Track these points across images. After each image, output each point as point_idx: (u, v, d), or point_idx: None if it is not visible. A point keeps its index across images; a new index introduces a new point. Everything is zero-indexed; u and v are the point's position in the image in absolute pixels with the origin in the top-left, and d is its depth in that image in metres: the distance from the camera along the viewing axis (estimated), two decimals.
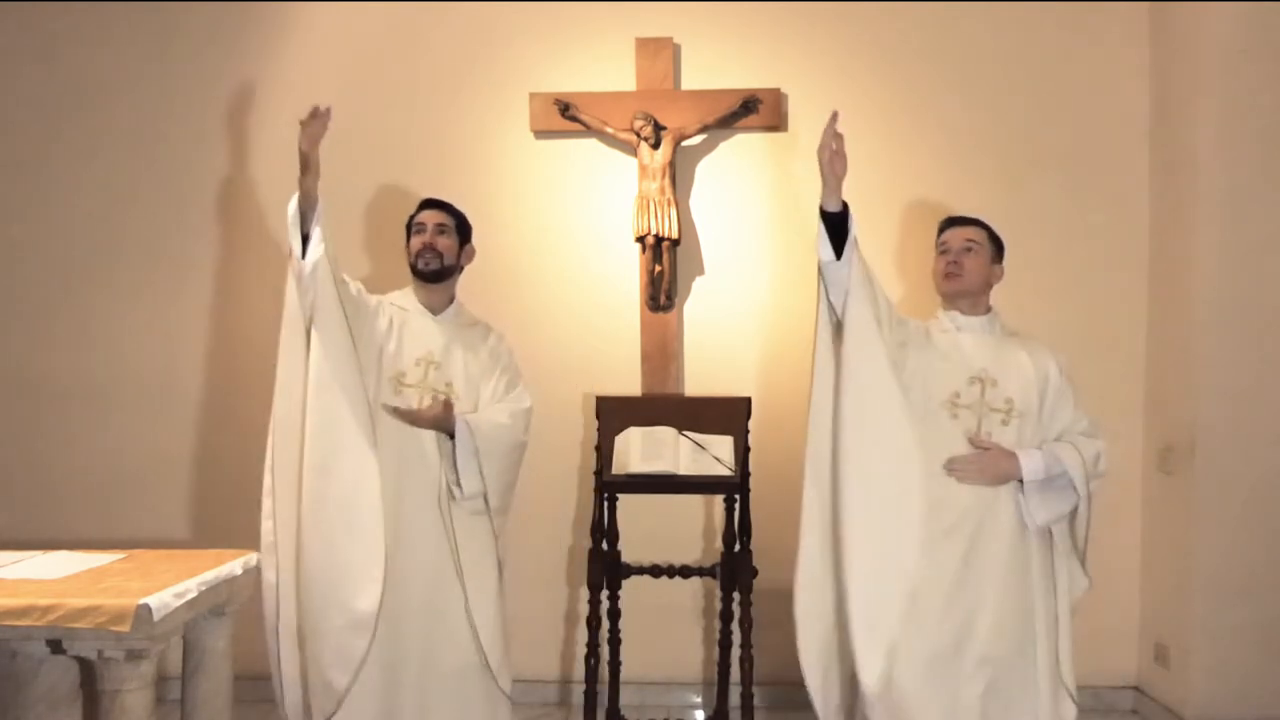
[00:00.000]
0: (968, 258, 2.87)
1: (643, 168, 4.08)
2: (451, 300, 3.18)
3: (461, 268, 3.19)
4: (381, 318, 3.10)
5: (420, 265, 3.11)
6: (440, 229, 3.11)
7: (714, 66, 4.19)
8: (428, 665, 2.99)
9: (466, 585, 3.00)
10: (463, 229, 3.18)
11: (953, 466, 2.71)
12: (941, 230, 2.98)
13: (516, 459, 3.13)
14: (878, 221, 4.19)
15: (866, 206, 4.16)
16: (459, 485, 2.99)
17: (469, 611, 3.00)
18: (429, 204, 3.19)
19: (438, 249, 3.09)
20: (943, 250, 2.92)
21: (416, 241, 3.12)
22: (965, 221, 2.95)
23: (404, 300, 3.18)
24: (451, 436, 2.99)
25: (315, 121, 2.88)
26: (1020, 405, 2.78)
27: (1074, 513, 2.79)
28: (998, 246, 2.94)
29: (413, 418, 2.97)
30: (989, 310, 2.93)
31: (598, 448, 3.50)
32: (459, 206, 3.21)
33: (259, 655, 4.08)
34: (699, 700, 4.21)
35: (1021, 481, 2.73)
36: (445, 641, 3.00)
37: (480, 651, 3.01)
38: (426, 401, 3.02)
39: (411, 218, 3.18)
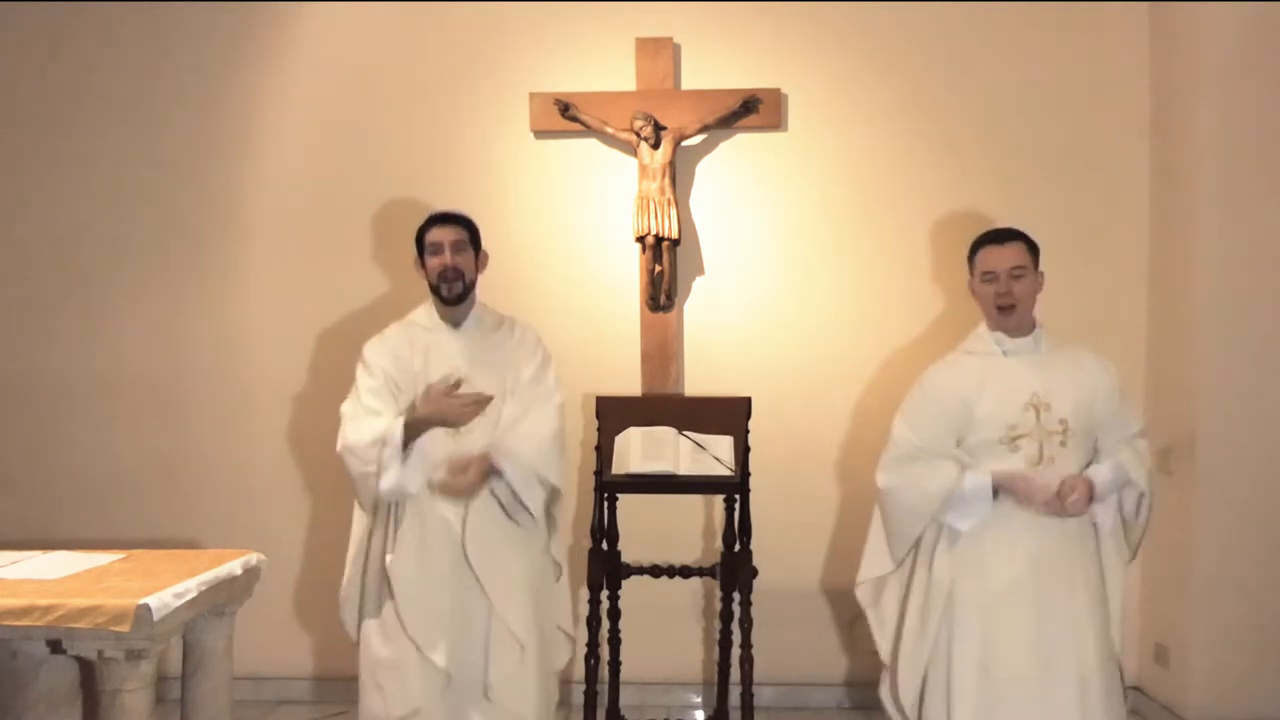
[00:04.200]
0: (1018, 285, 2.78)
1: (643, 168, 4.07)
2: (472, 307, 3.11)
3: (479, 276, 3.12)
4: (404, 344, 3.06)
5: (445, 291, 3.01)
6: (457, 247, 3.00)
7: (714, 66, 4.19)
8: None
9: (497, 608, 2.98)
10: (475, 239, 3.08)
11: (1049, 511, 2.69)
12: (979, 246, 2.86)
13: (559, 449, 3.09)
14: (875, 221, 4.19)
15: (865, 206, 4.20)
16: (527, 510, 2.97)
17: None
18: (441, 219, 3.06)
19: (459, 269, 3.00)
20: (989, 278, 2.80)
21: (436, 263, 3.00)
22: (1005, 238, 2.83)
23: (425, 318, 3.11)
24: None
25: (476, 405, 2.89)
26: (1074, 425, 2.75)
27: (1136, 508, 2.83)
28: (1036, 254, 2.86)
29: (458, 491, 2.93)
30: (1035, 327, 2.86)
31: (598, 448, 3.50)
32: (461, 209, 3.16)
33: (259, 655, 4.11)
34: (699, 700, 4.22)
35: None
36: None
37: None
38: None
39: (421, 233, 3.06)
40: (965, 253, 2.95)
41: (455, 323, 3.09)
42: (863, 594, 2.99)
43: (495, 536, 2.98)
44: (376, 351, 3.07)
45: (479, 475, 2.92)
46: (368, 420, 2.94)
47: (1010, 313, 2.79)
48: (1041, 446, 2.73)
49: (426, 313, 3.12)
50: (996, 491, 2.71)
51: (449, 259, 3.00)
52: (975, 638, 2.72)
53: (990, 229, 2.94)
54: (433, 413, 2.89)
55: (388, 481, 2.89)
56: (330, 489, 4.31)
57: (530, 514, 2.98)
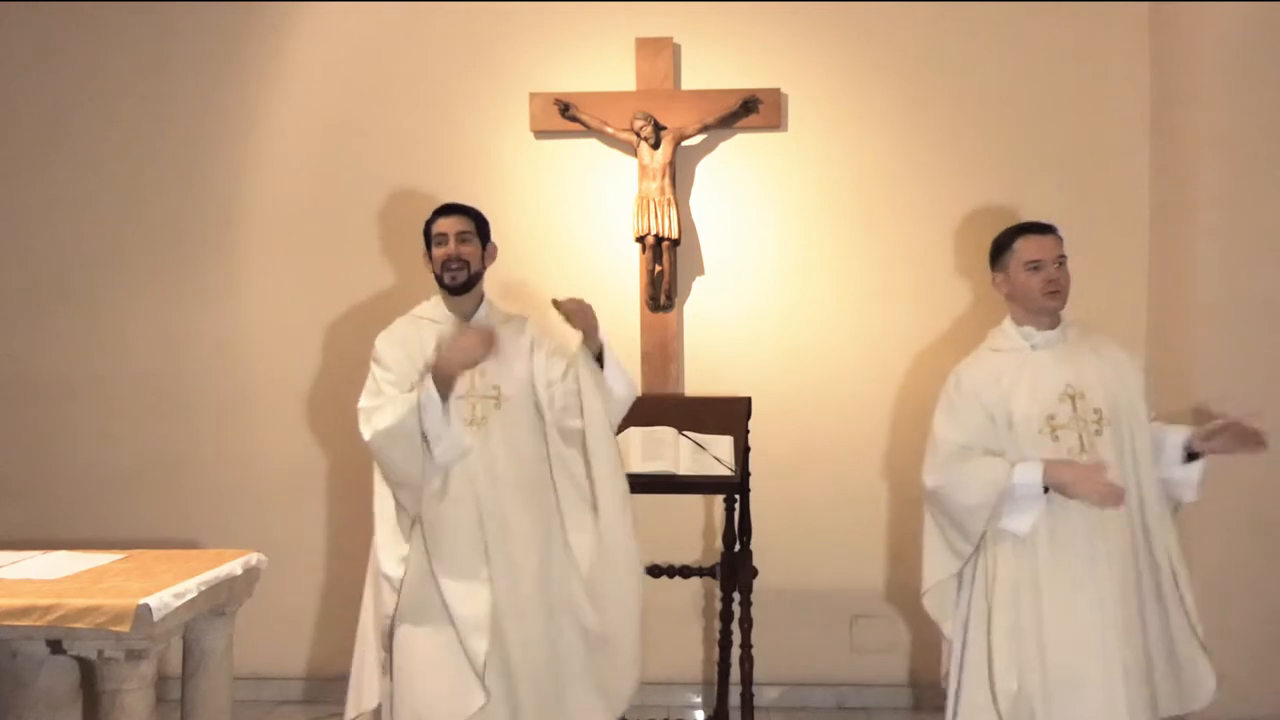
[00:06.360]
0: (1063, 273, 2.76)
1: (643, 168, 4.08)
2: (481, 301, 3.09)
3: (485, 268, 3.10)
4: (412, 338, 3.02)
5: (448, 279, 2.99)
6: (462, 237, 3.00)
7: (714, 66, 4.19)
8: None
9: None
10: (482, 230, 3.08)
11: (1101, 497, 2.62)
12: (1014, 237, 2.81)
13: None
14: (876, 221, 4.19)
15: (865, 205, 4.20)
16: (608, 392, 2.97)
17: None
18: (446, 210, 3.06)
19: (463, 258, 2.98)
20: (1035, 266, 2.75)
21: (440, 253, 2.99)
22: (1044, 229, 2.80)
23: (434, 312, 3.08)
24: (596, 357, 2.98)
25: (485, 344, 2.83)
26: (1109, 413, 2.72)
27: None
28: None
29: (580, 310, 2.93)
30: (1061, 319, 2.83)
31: None
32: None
33: (259, 655, 4.11)
34: (699, 700, 4.22)
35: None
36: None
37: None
38: (479, 412, 2.96)
39: (429, 226, 3.05)
40: (965, 251, 2.93)
41: (466, 315, 3.07)
42: (930, 603, 2.86)
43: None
44: (387, 344, 3.04)
45: (591, 319, 2.95)
46: (393, 401, 2.89)
47: (1057, 298, 2.77)
48: (1081, 437, 2.71)
49: (434, 307, 3.09)
50: (1047, 488, 2.64)
51: (453, 249, 2.99)
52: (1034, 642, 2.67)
53: (1023, 221, 2.90)
54: (443, 359, 2.83)
55: (441, 446, 2.84)
56: (331, 489, 4.32)
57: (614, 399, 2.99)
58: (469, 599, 2.86)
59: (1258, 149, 3.74)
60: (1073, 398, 2.73)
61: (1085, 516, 2.66)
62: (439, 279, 3.03)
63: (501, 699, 2.84)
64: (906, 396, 4.09)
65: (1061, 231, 2.83)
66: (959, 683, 2.77)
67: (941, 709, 2.81)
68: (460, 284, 3.01)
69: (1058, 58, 4.14)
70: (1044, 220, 2.84)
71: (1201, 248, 3.79)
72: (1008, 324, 2.87)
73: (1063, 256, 2.78)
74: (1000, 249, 2.83)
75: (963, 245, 4.10)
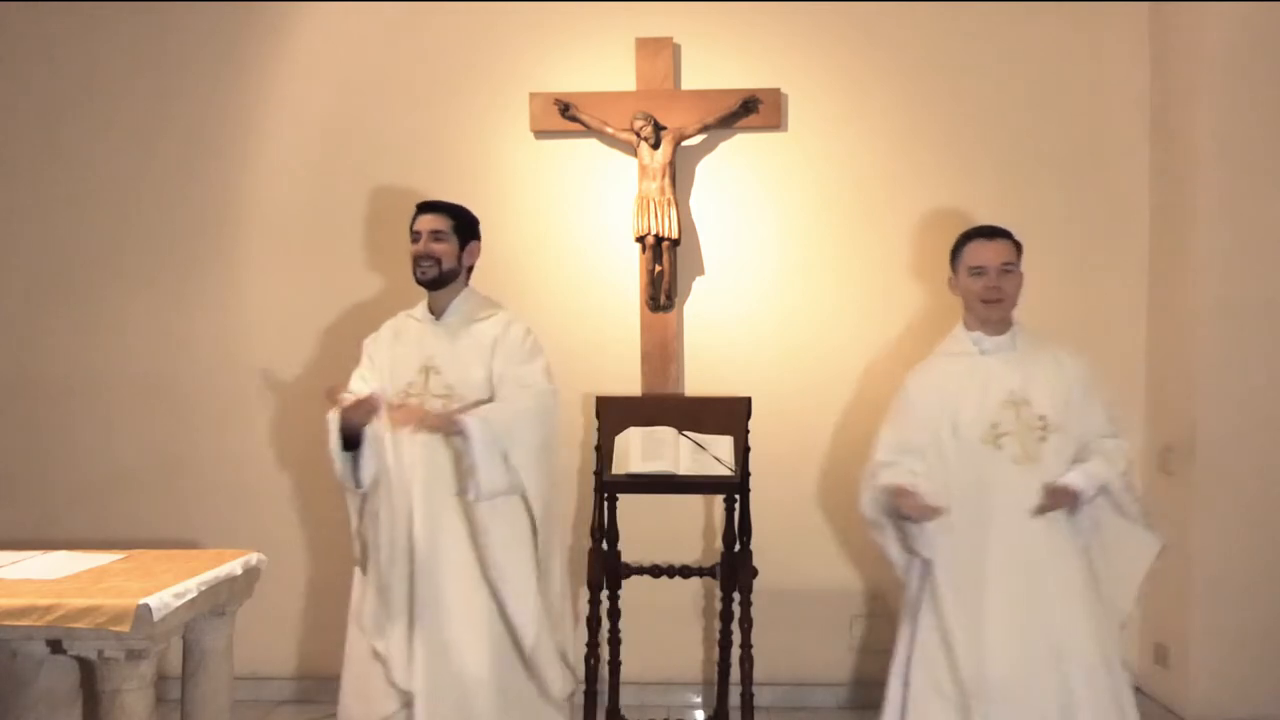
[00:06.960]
0: (1007, 280, 2.78)
1: (643, 168, 4.07)
2: (455, 297, 3.14)
3: (468, 267, 3.16)
4: (390, 333, 3.15)
5: (418, 275, 3.08)
6: (436, 235, 3.07)
7: (714, 66, 4.19)
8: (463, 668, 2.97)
9: (498, 588, 2.99)
10: (463, 229, 3.12)
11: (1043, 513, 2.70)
12: (965, 241, 2.84)
13: (546, 441, 3.07)
14: (876, 221, 4.19)
15: (865, 205, 4.20)
16: (475, 485, 2.91)
17: (506, 614, 2.99)
18: (425, 207, 3.15)
19: (434, 255, 3.06)
20: (978, 271, 2.78)
21: (413, 250, 3.09)
22: (994, 234, 2.82)
23: (419, 309, 3.18)
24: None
25: (365, 409, 2.92)
26: (1053, 420, 2.74)
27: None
28: (1020, 253, 2.85)
29: (407, 420, 2.94)
30: (1011, 325, 2.85)
31: (598, 448, 3.50)
32: (456, 202, 3.20)
33: (259, 655, 4.11)
34: (699, 700, 4.21)
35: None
36: (478, 642, 2.98)
37: (520, 653, 3.02)
38: (429, 407, 3.01)
39: (411, 222, 3.15)
40: None
41: (440, 310, 3.13)
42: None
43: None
44: (367, 345, 3.21)
45: (438, 420, 2.94)
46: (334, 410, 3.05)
47: (997, 307, 2.78)
48: (1023, 444, 2.73)
49: (422, 304, 3.20)
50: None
51: (423, 246, 3.08)
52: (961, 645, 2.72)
53: (976, 225, 2.93)
54: (342, 416, 2.96)
55: (339, 469, 3.02)
56: (330, 488, 4.31)
57: (477, 489, 2.92)
58: (385, 605, 3.00)
59: (1258, 149, 3.74)
60: (1016, 405, 2.74)
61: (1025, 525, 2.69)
62: (414, 275, 3.11)
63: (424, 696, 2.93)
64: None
65: (1018, 236, 2.83)
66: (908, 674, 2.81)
67: None
68: (429, 280, 3.08)
69: (1058, 58, 4.14)
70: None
71: (1201, 248, 3.79)
72: (959, 329, 2.90)
73: (1010, 263, 2.78)
74: (954, 251, 2.86)
75: None
